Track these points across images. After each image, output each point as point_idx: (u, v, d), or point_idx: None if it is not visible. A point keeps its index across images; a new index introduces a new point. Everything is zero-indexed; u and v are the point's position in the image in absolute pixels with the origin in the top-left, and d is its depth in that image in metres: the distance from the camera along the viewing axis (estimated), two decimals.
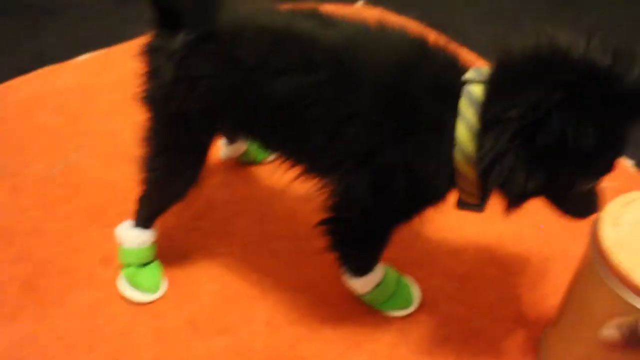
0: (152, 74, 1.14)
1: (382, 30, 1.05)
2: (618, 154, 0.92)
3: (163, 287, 1.32)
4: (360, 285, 1.25)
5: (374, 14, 2.36)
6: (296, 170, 1.16)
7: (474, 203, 1.06)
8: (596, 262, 0.99)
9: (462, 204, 1.08)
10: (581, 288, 1.08)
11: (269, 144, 1.21)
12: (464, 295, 1.34)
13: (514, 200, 0.96)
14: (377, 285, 1.25)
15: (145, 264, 1.32)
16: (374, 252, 1.22)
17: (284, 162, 1.17)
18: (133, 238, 1.30)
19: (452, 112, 0.95)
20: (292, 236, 1.45)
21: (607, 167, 0.93)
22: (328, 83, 1.00)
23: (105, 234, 1.41)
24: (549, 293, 1.33)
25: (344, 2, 2.40)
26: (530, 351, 1.23)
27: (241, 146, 1.59)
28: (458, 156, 0.96)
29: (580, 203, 1.02)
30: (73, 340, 1.23)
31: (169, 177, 1.25)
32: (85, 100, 1.88)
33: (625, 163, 1.66)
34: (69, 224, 1.47)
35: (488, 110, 0.90)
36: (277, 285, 1.34)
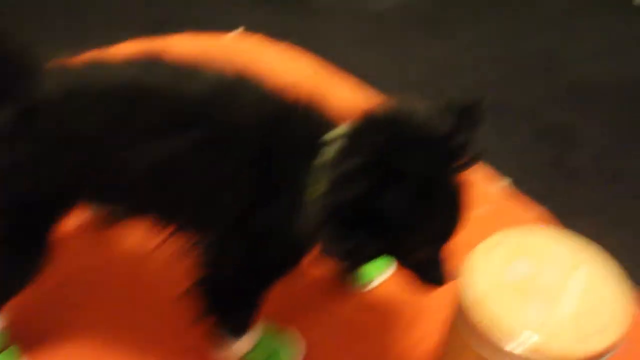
0: None
1: (244, 84, 0.99)
2: (447, 224, 0.92)
3: None
4: (240, 346, 1.17)
5: (253, 41, 2.34)
6: (167, 230, 1.07)
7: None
8: (459, 323, 1.00)
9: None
10: (458, 337, 1.05)
11: (133, 211, 1.10)
12: (352, 345, 1.29)
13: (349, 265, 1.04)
14: (257, 344, 1.19)
15: None
16: (251, 310, 1.15)
17: (153, 223, 1.07)
18: None
19: (306, 167, 0.92)
20: (150, 305, 1.33)
21: (436, 237, 0.94)
22: (197, 144, 0.93)
23: None
24: (425, 334, 1.29)
25: (221, 30, 2.33)
26: None
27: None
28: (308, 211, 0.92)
29: (428, 271, 0.99)
30: None
31: (9, 265, 1.10)
32: None
33: (500, 183, 1.67)
34: None
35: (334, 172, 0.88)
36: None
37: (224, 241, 1.01)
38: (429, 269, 0.98)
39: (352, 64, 2.00)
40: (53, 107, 0.95)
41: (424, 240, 0.93)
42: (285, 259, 1.04)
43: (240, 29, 2.43)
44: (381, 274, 1.39)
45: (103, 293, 1.36)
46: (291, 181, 0.93)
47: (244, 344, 1.17)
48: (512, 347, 0.91)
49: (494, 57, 2.49)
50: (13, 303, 1.19)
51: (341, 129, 0.94)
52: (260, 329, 1.19)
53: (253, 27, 2.39)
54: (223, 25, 2.36)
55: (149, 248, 1.38)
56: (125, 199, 1.07)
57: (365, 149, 0.86)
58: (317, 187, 0.89)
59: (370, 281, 1.40)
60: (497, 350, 0.93)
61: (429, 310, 1.33)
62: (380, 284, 1.40)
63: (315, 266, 1.05)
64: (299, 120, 0.97)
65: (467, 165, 0.90)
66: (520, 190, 1.65)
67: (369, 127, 0.90)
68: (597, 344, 0.91)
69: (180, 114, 0.95)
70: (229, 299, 1.12)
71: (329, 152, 0.91)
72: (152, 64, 1.02)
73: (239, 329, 1.16)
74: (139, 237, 1.45)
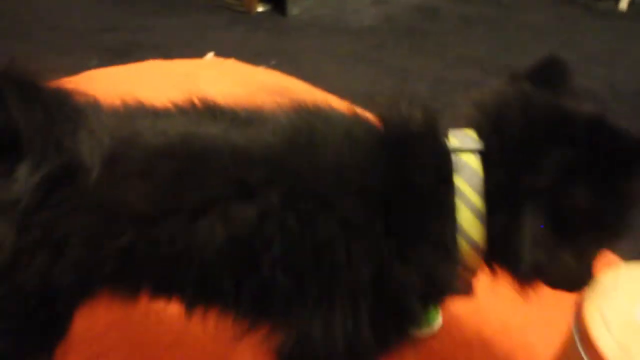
0: None
1: (312, 119, 0.78)
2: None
3: None
4: None
5: (228, 65, 2.19)
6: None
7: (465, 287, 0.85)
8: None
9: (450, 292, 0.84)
10: None
11: (192, 302, 0.83)
12: None
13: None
14: None
15: None
16: None
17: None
18: None
19: (448, 192, 0.74)
20: None
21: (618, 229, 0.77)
22: (280, 207, 0.71)
23: None
24: None
25: (192, 55, 2.20)
26: None
27: None
28: (462, 244, 0.75)
29: (574, 274, 0.81)
30: None
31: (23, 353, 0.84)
32: None
33: None
34: None
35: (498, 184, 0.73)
36: None
37: (340, 319, 0.75)
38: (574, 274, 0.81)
39: (333, 81, 1.86)
40: (93, 168, 0.70)
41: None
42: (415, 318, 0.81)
43: (211, 54, 2.28)
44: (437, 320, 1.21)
45: None
46: (425, 218, 0.75)
47: None
48: None
49: (485, 69, 2.39)
50: None
51: (465, 137, 0.76)
52: None
53: (230, 49, 2.29)
54: (199, 48, 2.24)
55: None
56: (190, 285, 0.79)
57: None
58: (473, 206, 0.73)
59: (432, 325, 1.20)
60: None
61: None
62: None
63: None
64: (404, 150, 0.76)
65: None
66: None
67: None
68: None
69: (247, 174, 0.72)
70: None
71: (471, 163, 0.74)
72: (202, 111, 0.79)
73: None
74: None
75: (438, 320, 1.21)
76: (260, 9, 2.86)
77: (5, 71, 0.71)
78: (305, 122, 0.77)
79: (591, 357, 0.80)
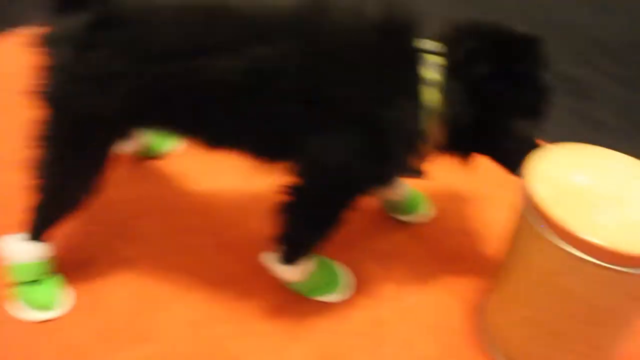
0: (50, 68, 0.97)
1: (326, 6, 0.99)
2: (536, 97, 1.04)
3: (65, 302, 1.15)
4: (292, 273, 1.16)
5: None
6: (246, 150, 1.05)
7: (418, 168, 1.09)
8: (531, 220, 0.98)
9: (403, 171, 1.12)
10: (517, 247, 1.06)
11: (215, 138, 1.06)
12: (394, 274, 1.29)
13: (466, 154, 1.08)
14: (307, 273, 1.17)
15: (40, 280, 1.14)
16: (325, 229, 1.11)
17: (229, 147, 1.06)
18: (23, 252, 1.12)
19: (417, 78, 0.99)
20: (202, 231, 1.33)
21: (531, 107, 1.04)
22: (296, 52, 0.93)
23: None
24: (476, 265, 1.32)
25: None
26: (469, 320, 1.20)
27: (139, 139, 1.44)
28: (426, 115, 0.99)
29: (518, 154, 1.03)
30: None
31: (69, 182, 1.08)
32: None
33: None
34: None
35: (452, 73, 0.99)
36: (195, 283, 1.22)
37: (333, 144, 0.97)
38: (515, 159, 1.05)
39: None
40: (131, 19, 0.93)
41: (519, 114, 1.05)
42: (389, 161, 1.03)
43: None
44: (423, 210, 1.41)
45: (140, 226, 1.34)
46: (405, 83, 0.98)
47: (299, 270, 1.16)
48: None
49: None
50: (58, 233, 1.18)
51: (430, 42, 1.01)
52: (315, 259, 1.18)
53: None
54: None
55: (186, 182, 1.42)
56: (204, 123, 1.02)
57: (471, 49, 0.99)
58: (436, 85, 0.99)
59: (416, 214, 1.40)
60: (561, 251, 0.93)
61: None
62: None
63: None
64: (394, 34, 0.98)
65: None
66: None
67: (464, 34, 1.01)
68: None
69: (267, 26, 0.94)
70: (315, 211, 1.09)
71: (434, 59, 0.99)
72: None
73: (301, 252, 1.14)
74: (174, 172, 1.47)
75: (426, 210, 1.42)
76: None
77: None
78: (316, 4, 0.97)
79: (530, 206, 0.97)
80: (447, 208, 1.45)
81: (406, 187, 1.37)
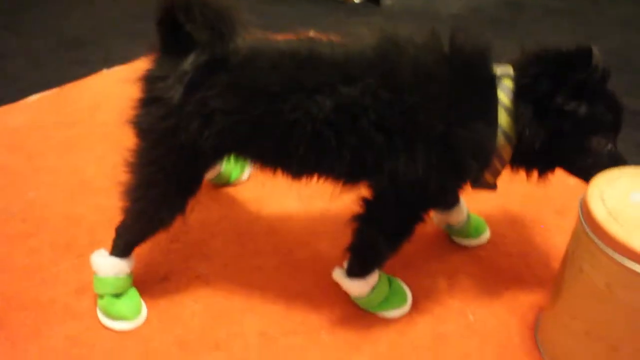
0: (154, 102, 1.07)
1: (394, 39, 1.07)
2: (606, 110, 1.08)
3: (143, 313, 1.25)
4: (358, 287, 1.22)
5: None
6: (327, 176, 1.15)
7: (493, 182, 1.16)
8: (591, 235, 1.01)
9: (479, 184, 1.16)
10: (574, 264, 1.09)
11: (301, 167, 1.15)
12: (454, 292, 1.33)
13: (543, 170, 1.15)
14: (373, 289, 1.23)
15: (121, 294, 1.24)
16: (397, 242, 1.20)
17: (307, 175, 1.16)
18: (109, 267, 1.22)
19: (493, 101, 1.07)
20: (273, 251, 1.42)
21: (601, 121, 1.08)
22: (375, 88, 1.02)
23: (77, 264, 1.35)
24: (533, 284, 1.35)
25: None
26: (528, 337, 1.23)
27: (216, 168, 1.55)
28: (500, 137, 1.07)
29: (595, 169, 1.09)
30: None
31: (156, 207, 1.18)
32: (40, 139, 1.81)
33: None
34: (37, 258, 1.39)
35: (520, 96, 1.06)
36: (266, 298, 1.30)
37: (415, 158, 1.05)
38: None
39: None
40: (240, 61, 1.04)
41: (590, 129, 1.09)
42: (462, 177, 1.12)
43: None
44: (483, 235, 1.45)
45: (213, 246, 1.44)
46: (482, 105, 1.07)
47: (364, 285, 1.22)
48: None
49: None
50: (142, 250, 1.29)
51: (504, 67, 1.09)
52: (377, 273, 1.24)
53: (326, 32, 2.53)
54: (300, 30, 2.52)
55: (255, 207, 1.51)
56: (303, 148, 1.08)
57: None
58: (508, 110, 1.07)
59: (475, 238, 1.45)
60: (619, 268, 0.96)
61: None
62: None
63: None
64: (467, 62, 1.07)
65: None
66: None
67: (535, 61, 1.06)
68: None
69: (348, 69, 1.03)
70: (388, 226, 1.17)
71: (507, 83, 1.07)
72: (313, 38, 1.11)
73: (373, 265, 1.22)
74: (245, 198, 1.57)
75: (486, 233, 1.46)
76: (356, 0, 3.17)
77: None
78: (389, 41, 1.06)
79: (589, 223, 1.02)
80: (505, 232, 1.48)
81: (466, 211, 1.41)
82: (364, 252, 1.20)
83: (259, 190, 1.60)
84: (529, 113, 1.05)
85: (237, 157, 1.18)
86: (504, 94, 1.07)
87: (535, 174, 1.16)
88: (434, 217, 1.44)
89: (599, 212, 1.00)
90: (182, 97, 1.03)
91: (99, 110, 1.91)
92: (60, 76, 2.10)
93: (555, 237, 1.30)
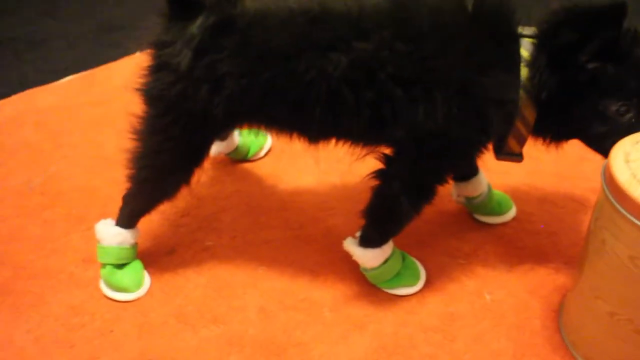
0: (162, 68, 1.04)
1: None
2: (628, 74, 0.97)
3: (146, 285, 1.23)
4: (371, 257, 1.16)
5: None
6: (346, 138, 1.10)
7: (518, 152, 1.07)
8: (613, 201, 0.92)
9: (504, 154, 1.08)
10: (597, 236, 0.99)
11: (318, 130, 1.10)
12: (472, 272, 1.25)
13: (557, 137, 1.06)
14: (386, 261, 1.17)
15: (124, 264, 1.22)
16: (418, 211, 1.13)
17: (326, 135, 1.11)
18: (112, 236, 1.21)
19: (515, 56, 0.99)
20: (283, 226, 1.37)
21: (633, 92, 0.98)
22: (391, 40, 0.96)
23: (87, 236, 1.34)
24: (560, 265, 1.25)
25: None
26: (551, 320, 1.14)
27: (232, 143, 1.51)
28: (522, 94, 0.99)
29: (612, 138, 0.98)
30: (51, 340, 1.13)
31: (161, 175, 1.16)
32: (66, 118, 1.81)
33: None
34: (49, 229, 1.39)
35: (538, 45, 0.99)
36: (270, 273, 1.25)
37: (435, 108, 0.99)
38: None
39: None
40: (249, 22, 0.99)
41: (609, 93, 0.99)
42: (486, 133, 1.04)
43: None
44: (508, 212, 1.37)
45: (223, 220, 1.40)
46: (506, 59, 1.00)
47: (376, 255, 1.15)
48: None
49: None
50: (150, 223, 1.29)
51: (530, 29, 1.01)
52: (391, 246, 1.17)
53: None
54: None
55: (269, 182, 1.47)
56: (315, 114, 1.04)
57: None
58: (529, 65, 0.99)
59: (498, 215, 1.36)
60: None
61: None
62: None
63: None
64: (489, 16, 1.00)
65: None
66: None
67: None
68: None
69: (363, 23, 0.98)
70: (411, 183, 1.10)
71: (528, 41, 0.99)
72: None
73: (386, 237, 1.16)
74: (260, 173, 1.53)
75: (511, 211, 1.36)
76: None
77: None
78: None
79: (611, 188, 0.92)
80: (532, 211, 1.38)
81: (489, 187, 1.33)
82: (383, 212, 1.13)
83: (274, 166, 1.56)
84: (542, 60, 0.96)
85: (250, 123, 1.14)
86: (526, 50, 0.99)
87: (550, 141, 1.07)
88: (453, 191, 1.36)
89: (622, 174, 0.90)
90: (193, 62, 0.99)
91: (127, 91, 1.91)
92: (95, 59, 2.12)
93: (589, 217, 1.18)
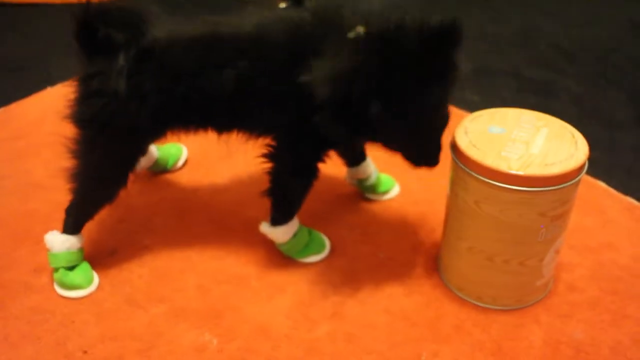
0: (94, 95, 1.25)
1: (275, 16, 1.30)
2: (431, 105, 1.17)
3: (95, 281, 1.43)
4: (282, 233, 1.43)
5: None
6: (243, 131, 1.36)
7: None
8: (458, 163, 1.24)
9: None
10: (452, 191, 1.31)
11: (222, 126, 1.36)
12: (367, 238, 1.55)
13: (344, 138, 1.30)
14: (295, 235, 1.44)
15: (74, 266, 1.41)
16: (305, 186, 1.39)
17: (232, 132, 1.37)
18: (61, 243, 1.40)
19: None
20: (207, 222, 1.62)
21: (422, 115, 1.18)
22: (257, 61, 1.23)
23: (35, 250, 1.51)
24: (436, 225, 1.57)
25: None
26: (431, 267, 1.45)
27: (152, 156, 1.74)
28: None
29: (422, 152, 1.28)
30: (19, 336, 1.30)
31: (103, 184, 1.38)
32: None
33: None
34: None
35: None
36: (202, 259, 1.49)
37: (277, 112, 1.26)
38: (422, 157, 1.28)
39: None
40: (161, 50, 1.24)
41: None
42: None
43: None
44: (392, 190, 1.68)
45: (156, 222, 1.62)
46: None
47: (286, 231, 1.43)
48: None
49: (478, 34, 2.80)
50: (91, 229, 1.48)
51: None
52: (297, 222, 1.45)
53: None
54: None
55: (190, 188, 1.70)
56: (213, 121, 1.34)
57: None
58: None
59: (385, 193, 1.67)
60: (481, 186, 1.18)
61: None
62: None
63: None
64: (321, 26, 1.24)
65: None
66: None
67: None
68: (559, 169, 1.15)
69: (236, 49, 1.25)
70: (294, 168, 1.37)
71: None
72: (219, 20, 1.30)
73: (286, 214, 1.42)
74: (181, 182, 1.76)
75: (395, 188, 1.69)
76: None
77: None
78: (266, 18, 1.29)
79: (456, 153, 1.24)
80: (412, 187, 1.71)
81: (374, 168, 1.63)
82: (279, 193, 1.40)
83: (192, 174, 1.81)
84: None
85: (172, 129, 1.37)
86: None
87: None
88: (346, 175, 1.66)
89: (463, 142, 1.23)
90: (124, 86, 1.22)
91: (45, 123, 2.07)
92: (5, 99, 2.26)
93: None
